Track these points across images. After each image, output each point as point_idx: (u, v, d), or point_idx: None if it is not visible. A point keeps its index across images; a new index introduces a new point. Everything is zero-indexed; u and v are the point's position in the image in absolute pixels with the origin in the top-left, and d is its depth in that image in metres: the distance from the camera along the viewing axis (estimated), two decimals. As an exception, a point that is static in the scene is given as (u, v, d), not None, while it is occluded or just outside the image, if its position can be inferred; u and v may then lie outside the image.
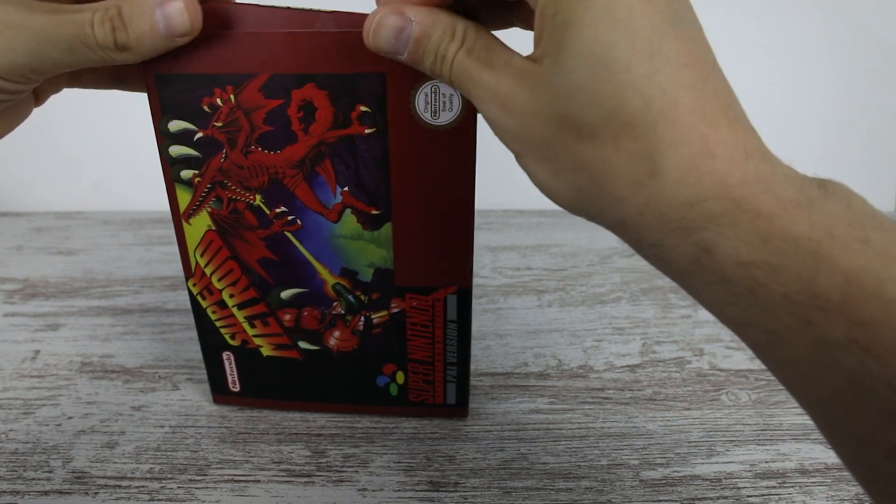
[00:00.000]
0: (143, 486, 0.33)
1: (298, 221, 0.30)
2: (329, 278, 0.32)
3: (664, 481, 0.33)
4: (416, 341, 0.34)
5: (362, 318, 0.33)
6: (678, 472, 0.34)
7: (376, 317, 0.33)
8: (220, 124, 0.28)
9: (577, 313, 0.47)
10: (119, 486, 0.33)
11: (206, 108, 0.28)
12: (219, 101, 0.28)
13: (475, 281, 0.51)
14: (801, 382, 0.19)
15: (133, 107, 0.60)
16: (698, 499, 0.32)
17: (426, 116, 0.27)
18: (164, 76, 0.27)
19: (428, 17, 0.23)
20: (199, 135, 0.29)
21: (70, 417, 0.37)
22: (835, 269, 0.17)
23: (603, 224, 0.22)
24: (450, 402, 0.36)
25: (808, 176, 0.20)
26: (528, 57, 0.22)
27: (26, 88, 0.26)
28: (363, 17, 0.24)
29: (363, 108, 0.27)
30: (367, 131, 0.28)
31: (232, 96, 0.28)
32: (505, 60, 0.22)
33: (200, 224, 0.31)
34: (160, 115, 0.29)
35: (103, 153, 0.62)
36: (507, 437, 0.36)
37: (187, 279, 0.33)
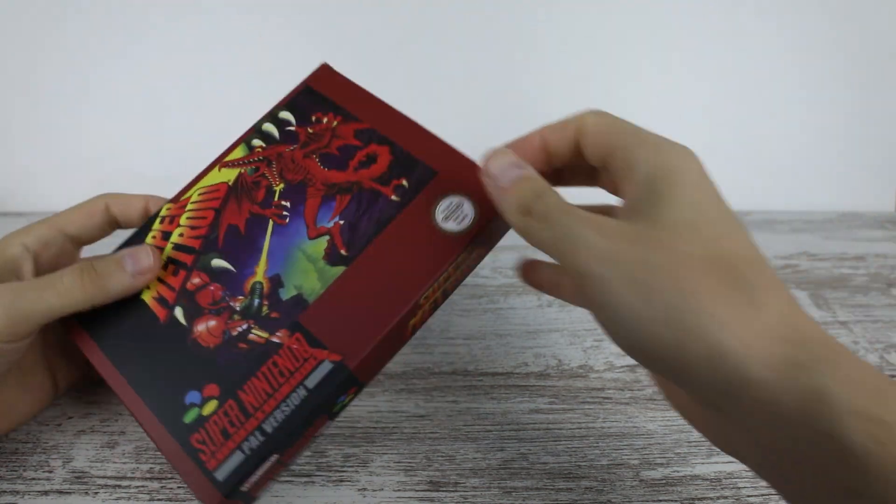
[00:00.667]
0: (142, 486, 0.33)
1: (287, 219, 0.33)
2: (259, 274, 0.32)
3: (664, 481, 0.33)
4: (260, 382, 0.30)
5: (244, 326, 0.31)
6: (678, 471, 0.34)
7: (256, 333, 0.31)
8: (311, 131, 0.36)
9: (577, 313, 0.47)
10: (119, 486, 0.33)
11: (312, 117, 0.36)
12: (325, 120, 0.36)
13: (475, 280, 0.51)
14: None
15: (135, 108, 0.60)
16: (698, 498, 0.32)
17: (438, 217, 0.32)
18: (312, 91, 0.37)
19: (537, 173, 0.27)
20: (292, 128, 0.36)
21: (70, 417, 0.37)
22: None
23: (690, 355, 0.20)
24: (219, 476, 0.28)
25: None
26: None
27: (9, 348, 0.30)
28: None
29: (404, 182, 0.33)
30: (393, 197, 0.33)
31: (335, 123, 0.36)
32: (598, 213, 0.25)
33: (225, 176, 0.36)
34: (282, 106, 0.37)
35: (105, 153, 0.62)
36: (507, 437, 0.36)
37: (169, 202, 0.36)
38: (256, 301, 0.32)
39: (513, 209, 0.26)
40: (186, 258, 0.33)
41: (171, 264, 0.34)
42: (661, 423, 0.37)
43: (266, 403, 0.29)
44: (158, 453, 0.35)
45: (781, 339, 0.19)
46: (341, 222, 0.33)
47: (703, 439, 0.36)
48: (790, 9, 0.57)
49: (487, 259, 0.54)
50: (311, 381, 0.29)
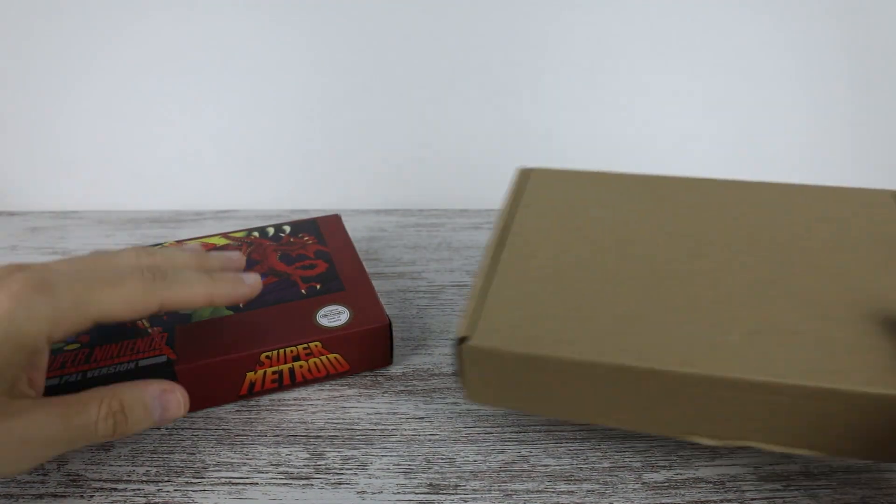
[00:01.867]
0: (139, 489, 0.32)
1: None
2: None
3: (667, 484, 0.33)
4: (115, 347, 0.37)
5: (145, 328, 0.39)
6: (681, 474, 0.33)
7: (143, 321, 0.39)
8: (292, 240, 0.47)
9: (578, 314, 0.47)
10: (115, 489, 0.32)
11: (301, 234, 0.48)
12: (305, 238, 0.48)
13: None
14: None
15: (131, 107, 0.60)
16: (701, 502, 0.32)
17: (319, 313, 0.39)
18: (315, 224, 0.50)
19: None
20: (283, 235, 0.48)
21: (65, 419, 0.37)
22: None
23: None
24: None
25: None
26: None
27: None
28: None
29: (318, 286, 0.42)
30: (302, 290, 0.41)
31: (310, 242, 0.47)
32: None
33: (219, 241, 0.47)
34: (289, 223, 0.50)
35: (99, 153, 0.62)
36: (507, 439, 0.36)
37: (175, 241, 0.47)
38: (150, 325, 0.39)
39: None
40: None
41: None
42: (664, 424, 0.37)
43: (103, 360, 0.36)
44: (155, 455, 0.34)
45: None
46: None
47: (706, 441, 0.35)
48: (793, 6, 0.56)
49: (487, 259, 0.54)
50: (143, 363, 0.35)
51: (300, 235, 0.47)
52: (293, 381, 0.39)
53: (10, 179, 0.63)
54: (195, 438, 0.35)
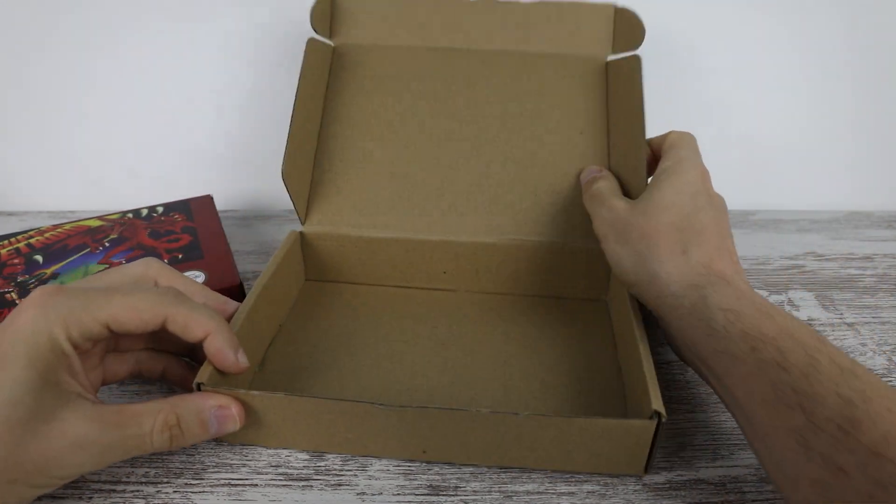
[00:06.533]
0: (138, 491, 0.32)
1: (98, 251, 0.48)
2: (50, 271, 0.45)
3: (668, 485, 0.33)
4: None
5: (10, 289, 0.43)
6: (682, 475, 0.33)
7: (11, 295, 0.43)
8: (163, 219, 0.52)
9: (580, 314, 0.47)
10: (114, 491, 0.32)
11: (172, 214, 0.53)
12: (176, 216, 0.53)
13: (476, 281, 0.50)
14: (747, 392, 0.29)
15: (128, 106, 0.60)
16: (702, 503, 0.32)
17: None
18: (187, 204, 0.55)
19: (609, 175, 0.44)
20: (155, 215, 0.53)
21: (65, 420, 0.37)
22: (774, 321, 0.30)
23: (643, 278, 0.36)
24: None
25: None
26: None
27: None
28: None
29: (179, 255, 0.47)
30: (165, 260, 0.46)
31: (178, 219, 0.53)
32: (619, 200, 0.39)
33: (94, 223, 0.52)
34: (162, 205, 0.55)
35: (99, 153, 0.62)
36: (508, 441, 0.35)
37: (55, 225, 0.51)
38: (32, 281, 0.44)
39: (583, 191, 0.43)
40: (25, 251, 0.48)
41: (14, 252, 0.48)
42: (664, 426, 0.36)
43: None
44: (154, 457, 0.34)
45: (693, 272, 0.34)
46: (123, 261, 0.46)
47: (707, 443, 0.35)
48: (798, 5, 0.56)
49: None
50: None
51: (171, 214, 0.52)
52: None
53: (9, 179, 0.63)
54: (195, 439, 0.35)
